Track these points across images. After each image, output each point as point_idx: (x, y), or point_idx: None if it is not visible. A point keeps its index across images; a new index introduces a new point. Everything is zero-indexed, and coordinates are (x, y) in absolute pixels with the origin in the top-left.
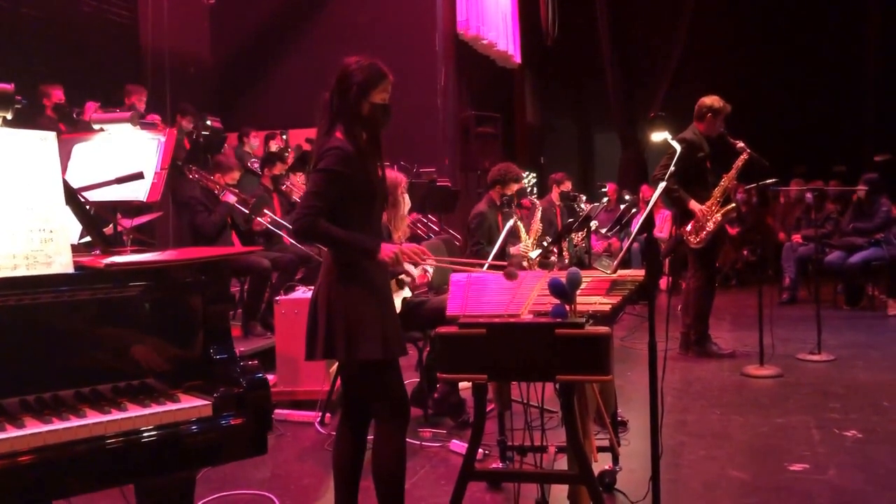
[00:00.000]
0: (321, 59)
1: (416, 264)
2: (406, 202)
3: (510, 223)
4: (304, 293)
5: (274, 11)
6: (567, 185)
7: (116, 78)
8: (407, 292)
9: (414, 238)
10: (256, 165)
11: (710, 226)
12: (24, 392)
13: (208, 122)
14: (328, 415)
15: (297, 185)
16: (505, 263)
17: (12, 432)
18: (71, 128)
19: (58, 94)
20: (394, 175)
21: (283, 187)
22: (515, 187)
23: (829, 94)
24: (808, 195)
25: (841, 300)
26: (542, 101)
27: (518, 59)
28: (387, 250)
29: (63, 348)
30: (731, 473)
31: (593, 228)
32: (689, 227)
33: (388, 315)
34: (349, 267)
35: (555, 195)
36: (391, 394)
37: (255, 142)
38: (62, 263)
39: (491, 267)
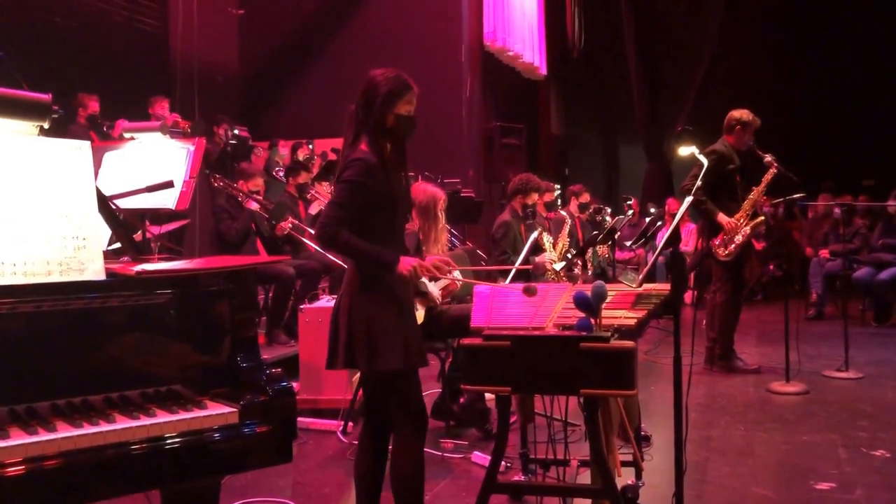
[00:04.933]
0: (348, 70)
1: (435, 278)
2: (442, 217)
3: (534, 234)
4: (328, 301)
5: (302, 22)
6: (585, 197)
7: (146, 87)
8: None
9: None
10: (282, 174)
11: (739, 238)
12: (55, 396)
13: (236, 132)
14: (350, 424)
15: (323, 193)
16: (529, 267)
17: (45, 436)
18: (101, 139)
19: (94, 106)
20: (433, 190)
21: (308, 196)
22: (536, 197)
23: (859, 108)
24: (837, 210)
25: (869, 317)
26: (567, 112)
27: (543, 71)
28: (405, 264)
29: (93, 353)
30: (755, 491)
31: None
32: (717, 240)
33: (409, 326)
34: (371, 277)
35: (573, 207)
36: (409, 404)
37: (282, 151)
38: (94, 270)
39: (516, 274)
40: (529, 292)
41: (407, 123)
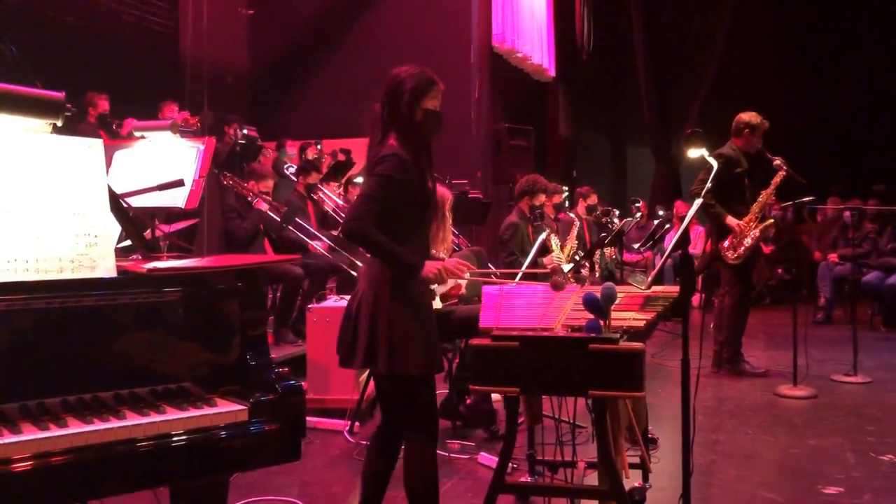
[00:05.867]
0: (357, 71)
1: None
2: (450, 217)
3: (542, 236)
4: (336, 301)
5: (311, 23)
6: (593, 199)
7: (155, 86)
8: (437, 303)
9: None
10: (292, 172)
11: (748, 241)
12: (66, 392)
13: (245, 131)
14: (357, 424)
15: (329, 195)
16: (540, 271)
17: (55, 431)
18: (110, 138)
19: (103, 105)
20: (441, 190)
21: (315, 197)
22: (543, 198)
23: (869, 112)
24: (847, 214)
25: (878, 321)
26: (576, 114)
27: (552, 73)
28: (431, 267)
29: (104, 350)
30: (762, 494)
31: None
32: (726, 243)
33: (429, 331)
34: (397, 278)
35: (581, 209)
36: (423, 409)
37: (290, 151)
38: (106, 268)
39: (526, 277)
40: (558, 287)
41: (434, 118)
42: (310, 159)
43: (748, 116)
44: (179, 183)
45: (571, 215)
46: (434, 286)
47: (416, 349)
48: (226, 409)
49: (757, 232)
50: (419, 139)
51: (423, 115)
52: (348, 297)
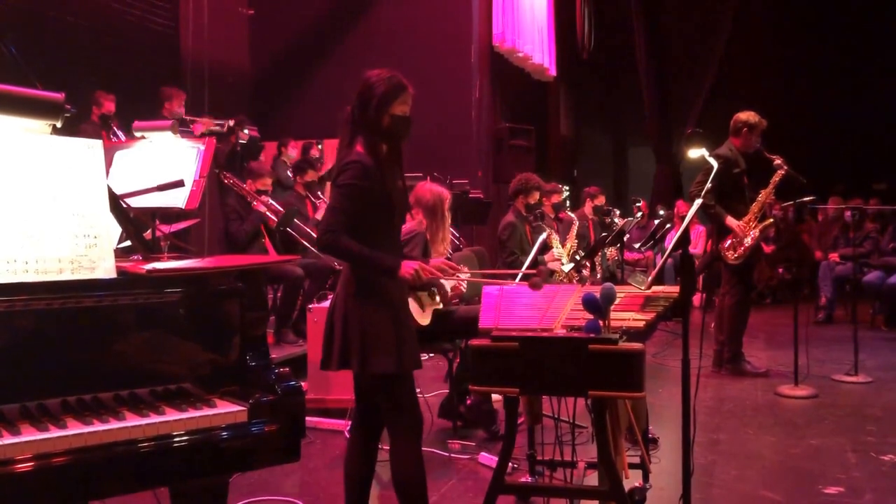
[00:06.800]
0: (358, 71)
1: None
2: (448, 216)
3: (543, 235)
4: None
5: (312, 22)
6: (601, 200)
7: (156, 86)
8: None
9: None
10: (288, 173)
11: (749, 241)
12: (66, 393)
13: (246, 131)
14: None
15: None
16: (534, 272)
17: (55, 432)
18: (111, 139)
19: (109, 105)
20: (439, 190)
21: (319, 199)
22: (538, 196)
23: (870, 111)
24: (848, 213)
25: (879, 321)
26: (577, 114)
27: (553, 72)
28: (407, 267)
29: (104, 351)
30: (763, 494)
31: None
32: (727, 243)
33: (403, 329)
34: (366, 280)
35: (588, 209)
36: (404, 407)
37: (293, 151)
38: (106, 269)
39: (522, 278)
40: (535, 286)
41: (402, 124)
42: (305, 158)
43: (746, 115)
44: (179, 183)
45: (571, 214)
46: (437, 291)
47: (389, 348)
48: (225, 409)
49: (757, 232)
50: (387, 144)
51: (391, 121)
52: None
